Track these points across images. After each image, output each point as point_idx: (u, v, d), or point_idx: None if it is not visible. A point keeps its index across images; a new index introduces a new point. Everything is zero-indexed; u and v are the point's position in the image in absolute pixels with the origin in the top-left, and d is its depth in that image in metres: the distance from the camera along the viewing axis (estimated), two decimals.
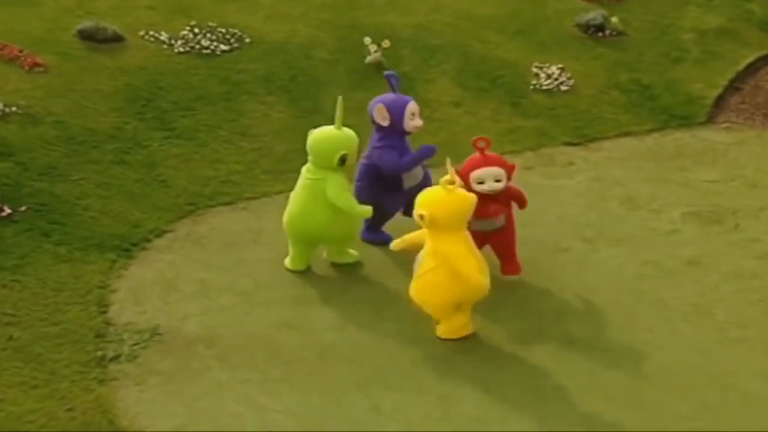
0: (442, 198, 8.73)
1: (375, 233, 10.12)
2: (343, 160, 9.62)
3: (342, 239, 9.80)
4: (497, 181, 9.39)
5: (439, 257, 8.67)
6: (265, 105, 11.90)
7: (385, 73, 10.39)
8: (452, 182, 8.75)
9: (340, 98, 9.70)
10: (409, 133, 10.09)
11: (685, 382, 8.60)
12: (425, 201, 8.78)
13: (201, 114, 11.65)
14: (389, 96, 10.11)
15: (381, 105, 9.98)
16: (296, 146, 11.27)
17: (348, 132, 9.76)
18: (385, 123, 9.95)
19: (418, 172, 10.06)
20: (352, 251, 9.95)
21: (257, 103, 11.90)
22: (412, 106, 10.05)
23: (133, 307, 9.28)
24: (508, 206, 9.63)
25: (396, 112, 9.97)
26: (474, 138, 9.50)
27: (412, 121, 10.02)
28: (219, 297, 9.46)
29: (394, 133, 9.99)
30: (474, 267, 8.72)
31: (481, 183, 9.36)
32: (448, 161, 8.99)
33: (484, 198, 9.28)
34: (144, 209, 10.41)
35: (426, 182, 9.97)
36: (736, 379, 8.63)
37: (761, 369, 8.74)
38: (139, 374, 8.57)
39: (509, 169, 9.51)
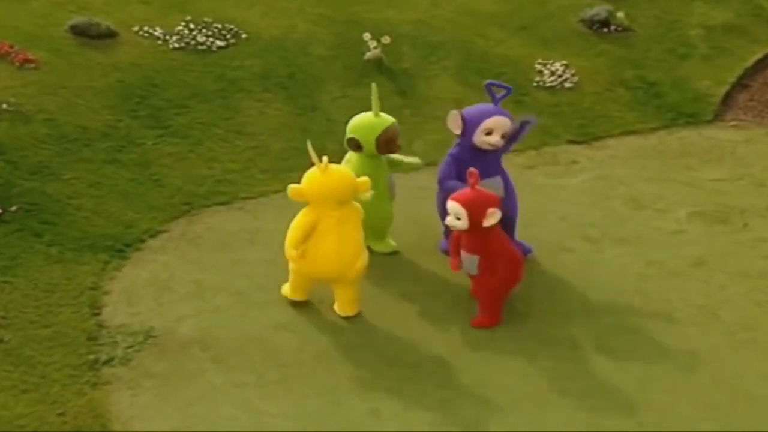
0: (315, 176, 9.05)
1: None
2: (355, 145, 9.63)
3: (377, 227, 9.73)
4: (457, 218, 9.00)
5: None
6: (262, 102, 11.84)
7: (505, 86, 9.96)
8: (321, 164, 8.98)
9: (374, 85, 9.71)
10: (487, 151, 9.62)
11: (691, 385, 8.54)
12: (304, 178, 9.09)
13: (196, 112, 11.58)
14: (482, 106, 9.78)
15: (456, 112, 9.67)
16: (293, 144, 11.25)
17: (363, 117, 9.73)
18: (457, 131, 9.67)
19: (497, 187, 9.60)
20: (390, 241, 9.94)
21: (254, 101, 11.84)
22: (492, 123, 9.61)
23: (127, 309, 9.21)
24: (484, 256, 9.05)
25: (470, 123, 9.62)
26: (468, 170, 9.14)
27: (486, 137, 9.61)
28: (214, 298, 9.39)
29: (466, 144, 9.65)
30: (320, 246, 8.98)
31: (447, 214, 9.11)
32: (309, 144, 9.08)
33: (458, 235, 9.08)
34: (138, 209, 10.33)
35: (511, 199, 9.72)
36: (744, 382, 8.57)
37: None
38: (132, 377, 8.51)
39: (474, 212, 8.93)
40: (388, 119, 9.79)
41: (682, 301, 9.43)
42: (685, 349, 8.88)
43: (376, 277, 9.57)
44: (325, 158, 9.01)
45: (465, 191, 9.01)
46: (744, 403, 8.37)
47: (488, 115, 9.64)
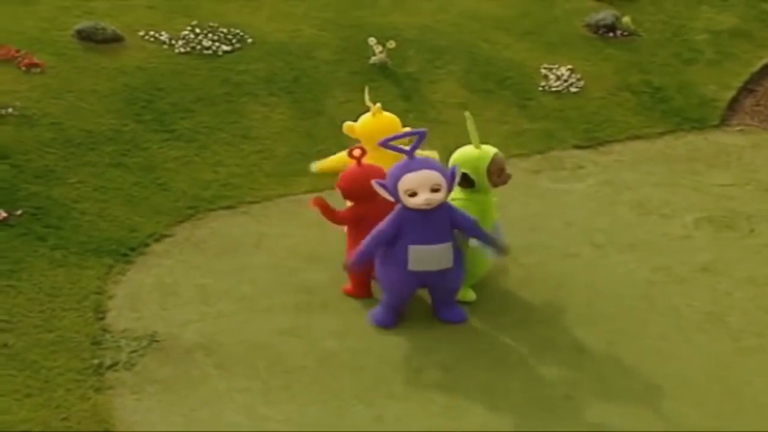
0: (368, 119, 9.95)
1: (386, 314, 9.13)
2: (468, 181, 9.11)
3: (469, 273, 9.28)
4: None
5: None
6: (267, 106, 11.80)
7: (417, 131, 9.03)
8: (375, 108, 9.89)
9: (467, 113, 9.33)
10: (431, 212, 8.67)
11: (699, 392, 8.49)
12: (360, 119, 10.01)
13: (201, 116, 11.55)
14: (399, 163, 8.75)
15: (377, 181, 8.73)
16: (298, 149, 11.22)
17: (465, 150, 9.25)
18: (391, 199, 8.73)
19: (438, 256, 8.75)
20: (470, 291, 9.35)
21: (259, 105, 11.80)
22: (409, 181, 8.56)
23: (131, 314, 9.17)
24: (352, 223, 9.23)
25: (390, 189, 8.69)
26: (350, 148, 9.09)
27: (412, 199, 8.60)
28: (218, 303, 9.34)
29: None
30: None
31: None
32: (366, 90, 10.08)
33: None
34: (142, 213, 10.30)
35: (456, 270, 8.89)
36: (751, 389, 8.52)
37: None
38: (136, 382, 8.48)
39: (343, 188, 9.24)
40: (492, 148, 9.27)
41: (689, 307, 9.37)
42: (691, 356, 8.82)
43: (377, 282, 9.55)
44: (378, 104, 9.89)
45: (354, 170, 9.23)
46: (751, 409, 8.31)
47: (402, 173, 8.59)
